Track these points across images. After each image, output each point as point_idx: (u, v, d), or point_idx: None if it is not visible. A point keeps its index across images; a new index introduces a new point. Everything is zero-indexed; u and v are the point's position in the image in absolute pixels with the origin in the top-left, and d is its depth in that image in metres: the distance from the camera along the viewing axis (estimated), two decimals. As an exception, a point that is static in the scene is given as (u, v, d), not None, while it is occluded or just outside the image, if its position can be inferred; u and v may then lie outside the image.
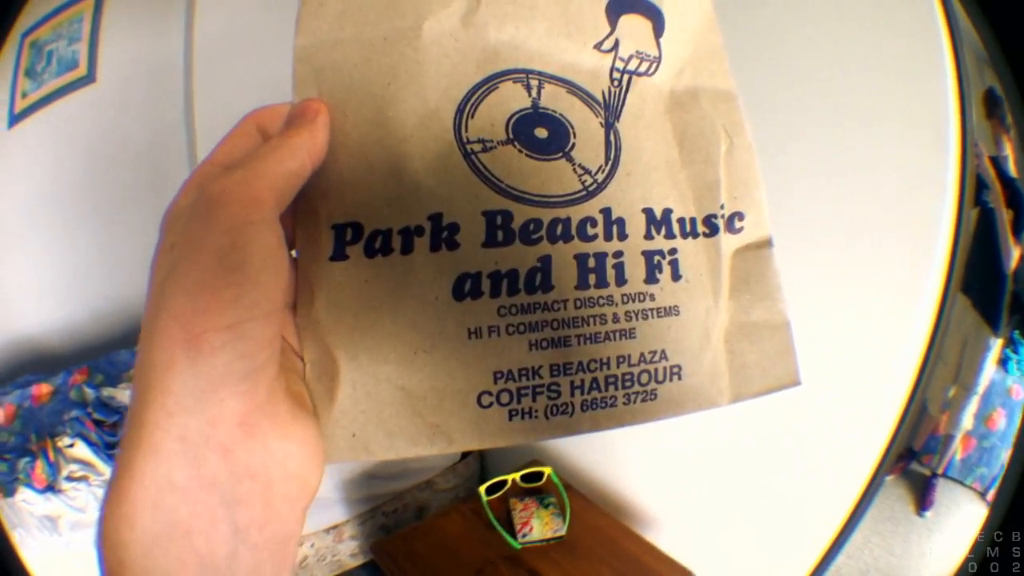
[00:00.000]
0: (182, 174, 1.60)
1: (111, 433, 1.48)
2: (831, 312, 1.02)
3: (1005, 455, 1.42)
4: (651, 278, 0.26)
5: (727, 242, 0.29)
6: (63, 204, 1.52)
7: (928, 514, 1.30)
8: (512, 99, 0.26)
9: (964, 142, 1.08)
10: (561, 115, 0.27)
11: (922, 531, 1.29)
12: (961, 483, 1.34)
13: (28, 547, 1.33)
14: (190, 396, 0.18)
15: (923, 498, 1.29)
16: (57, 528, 1.34)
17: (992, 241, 1.24)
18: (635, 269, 0.26)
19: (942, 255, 1.01)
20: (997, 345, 1.30)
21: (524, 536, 1.27)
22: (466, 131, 0.25)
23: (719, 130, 0.29)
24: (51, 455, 1.41)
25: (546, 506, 1.35)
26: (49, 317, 1.61)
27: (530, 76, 0.26)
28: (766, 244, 0.30)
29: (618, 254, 0.26)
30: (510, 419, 0.24)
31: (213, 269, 0.18)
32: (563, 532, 1.29)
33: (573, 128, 0.27)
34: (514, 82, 0.26)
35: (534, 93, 0.26)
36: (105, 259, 1.62)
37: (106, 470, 1.42)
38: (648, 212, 0.27)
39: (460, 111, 0.25)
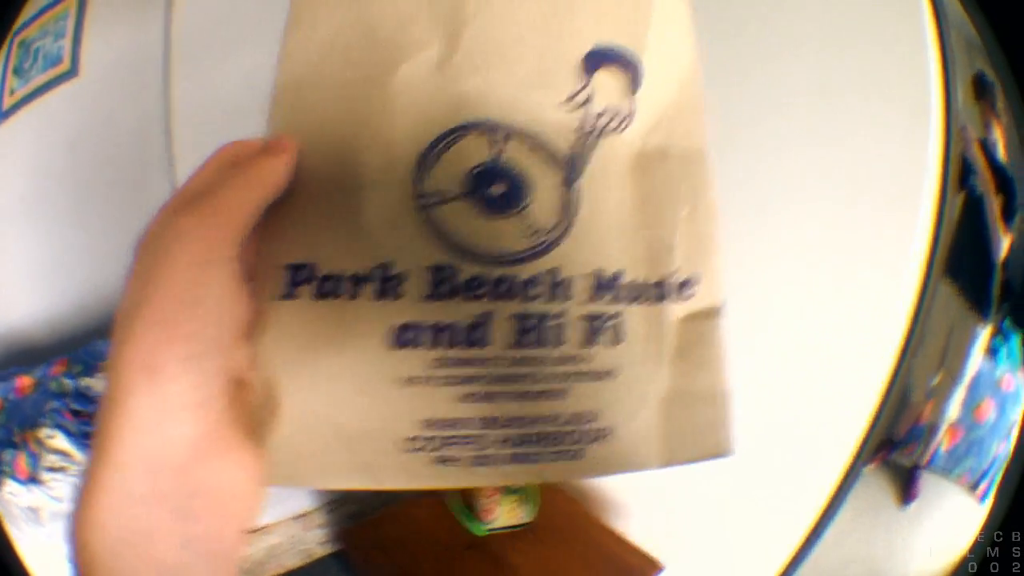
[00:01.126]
0: (161, 167, 1.59)
1: (87, 423, 1.48)
2: (808, 295, 1.00)
3: (995, 447, 1.40)
4: (590, 341, 0.27)
5: (675, 308, 0.30)
6: (46, 197, 1.52)
7: (912, 507, 1.28)
8: (474, 152, 0.27)
9: (948, 122, 1.05)
10: (521, 171, 0.27)
11: (905, 523, 1.27)
12: (947, 475, 1.31)
13: (19, 540, 1.34)
14: (149, 418, 0.21)
15: (906, 490, 1.26)
16: (39, 519, 1.35)
17: (980, 228, 1.22)
18: (574, 331, 0.27)
19: (923, 238, 0.99)
20: (985, 333, 1.28)
21: (489, 524, 1.25)
22: (425, 182, 0.26)
23: (683, 193, 0.30)
24: (33, 447, 1.41)
25: (513, 493, 1.30)
26: (33, 309, 1.61)
27: (496, 129, 0.27)
28: (716, 313, 0.31)
29: (558, 315, 0.27)
30: (436, 464, 0.25)
31: (175, 304, 0.21)
32: (529, 519, 1.27)
33: (532, 185, 0.27)
34: (479, 134, 0.27)
35: (497, 147, 0.27)
36: (86, 251, 1.62)
37: (84, 460, 1.42)
38: (597, 274, 0.28)
39: (422, 161, 0.26)
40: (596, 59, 0.28)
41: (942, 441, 1.29)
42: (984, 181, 1.20)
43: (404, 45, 0.26)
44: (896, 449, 1.28)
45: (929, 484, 1.30)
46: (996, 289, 1.26)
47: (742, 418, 1.02)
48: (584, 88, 0.28)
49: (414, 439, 0.25)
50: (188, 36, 1.48)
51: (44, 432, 1.44)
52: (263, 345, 0.24)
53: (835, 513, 1.12)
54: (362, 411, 0.25)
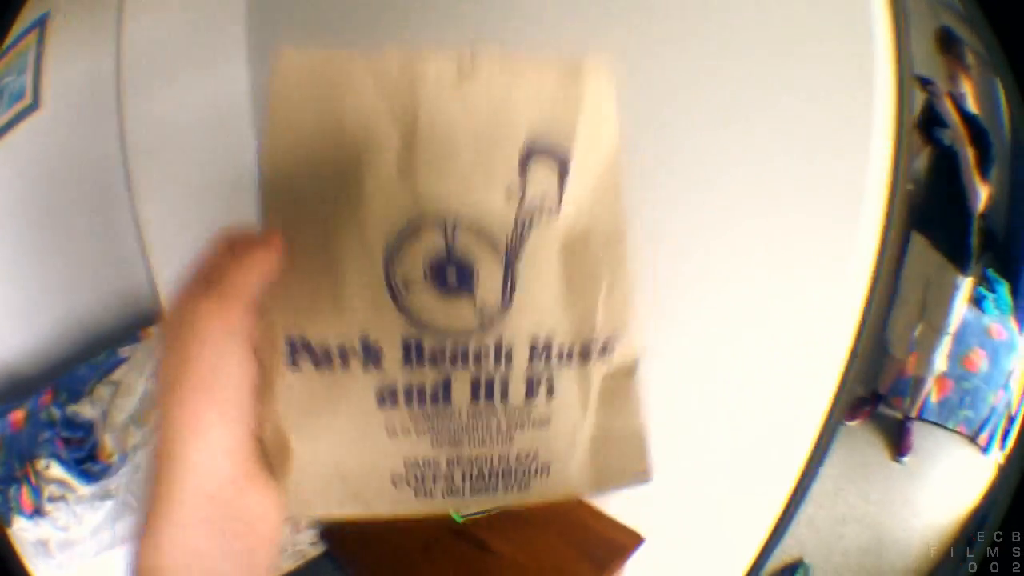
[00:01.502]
0: (121, 192, 1.64)
1: (79, 448, 1.52)
2: (768, 256, 1.01)
3: (992, 397, 1.40)
4: (530, 396, 0.33)
5: (598, 366, 0.35)
6: (19, 231, 1.58)
7: (907, 459, 1.28)
8: (430, 244, 0.32)
9: (900, 73, 1.06)
10: (469, 259, 0.32)
11: (902, 477, 1.27)
12: (943, 426, 1.32)
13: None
14: (199, 462, 0.26)
15: (899, 443, 1.27)
16: (48, 551, 1.39)
17: (954, 180, 1.22)
18: (517, 390, 0.33)
19: (876, 192, 1.00)
20: (966, 284, 1.28)
21: (467, 510, 1.24)
22: (393, 268, 0.31)
23: (604, 270, 0.34)
24: (33, 479, 1.46)
25: None
26: (17, 342, 1.68)
27: (446, 223, 0.32)
28: (633, 368, 0.36)
29: (504, 378, 0.33)
30: (415, 496, 0.32)
31: (208, 374, 0.26)
32: None
33: (478, 270, 0.32)
34: (435, 227, 0.32)
35: (448, 239, 0.32)
36: (59, 281, 1.69)
37: (80, 487, 1.46)
38: (533, 342, 0.33)
39: (390, 250, 0.31)
40: (531, 155, 0.33)
41: (931, 392, 1.30)
42: (956, 133, 1.20)
43: (368, 143, 0.31)
44: (881, 403, 1.29)
45: (925, 437, 1.30)
46: (975, 241, 1.26)
47: (717, 387, 1.03)
48: (521, 181, 0.33)
49: (398, 476, 0.32)
50: (137, 63, 1.53)
51: (41, 463, 1.47)
52: (274, 403, 0.30)
53: (816, 471, 1.13)
54: (357, 456, 0.32)
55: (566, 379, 0.34)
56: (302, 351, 0.31)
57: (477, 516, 1.27)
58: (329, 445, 0.31)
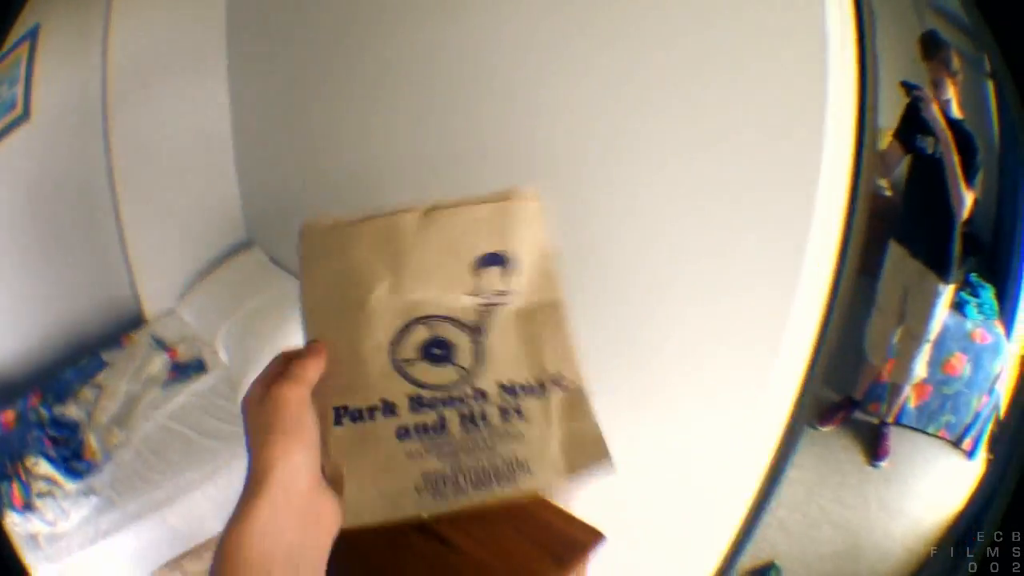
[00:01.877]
0: (107, 201, 1.69)
1: (65, 447, 1.58)
2: (728, 260, 1.02)
3: (976, 402, 1.40)
4: (505, 420, 0.47)
5: (554, 392, 0.49)
6: (8, 238, 1.63)
7: (884, 464, 1.29)
8: (420, 335, 0.48)
9: (863, 76, 1.05)
10: (449, 339, 0.49)
11: (879, 482, 1.28)
12: (922, 432, 1.32)
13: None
14: (286, 476, 0.39)
15: (875, 448, 1.28)
16: (39, 544, 1.45)
17: (937, 188, 1.22)
18: (493, 414, 0.47)
19: (830, 203, 1.01)
20: (948, 292, 1.28)
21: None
22: (398, 353, 0.47)
23: (547, 332, 0.50)
24: (23, 475, 1.52)
25: None
26: (6, 345, 1.74)
27: (431, 319, 0.49)
28: (581, 390, 0.49)
29: (482, 409, 0.47)
30: (433, 498, 0.45)
31: (292, 426, 0.41)
32: None
33: (455, 346, 0.48)
34: (422, 324, 0.49)
35: (434, 329, 0.48)
36: (48, 287, 1.75)
37: (66, 483, 1.53)
38: (500, 385, 0.48)
39: (393, 344, 0.48)
40: (483, 263, 0.49)
41: (909, 397, 1.30)
42: (942, 139, 1.19)
43: (369, 278, 0.48)
44: (856, 408, 1.30)
45: (904, 442, 1.31)
46: (957, 248, 1.25)
47: (680, 389, 1.05)
48: (476, 284, 0.49)
49: (419, 486, 0.45)
50: (122, 77, 1.59)
51: (30, 460, 1.53)
52: (329, 449, 0.44)
53: (782, 470, 1.14)
54: (388, 476, 0.45)
55: (531, 404, 0.48)
56: (344, 414, 0.46)
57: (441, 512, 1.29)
58: (369, 472, 0.45)
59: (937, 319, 1.29)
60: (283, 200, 1.89)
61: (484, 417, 0.47)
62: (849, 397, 1.28)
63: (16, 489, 1.49)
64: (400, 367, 0.47)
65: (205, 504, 1.54)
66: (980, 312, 1.33)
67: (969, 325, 1.34)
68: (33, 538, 1.44)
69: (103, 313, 1.91)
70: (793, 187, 0.93)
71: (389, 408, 0.46)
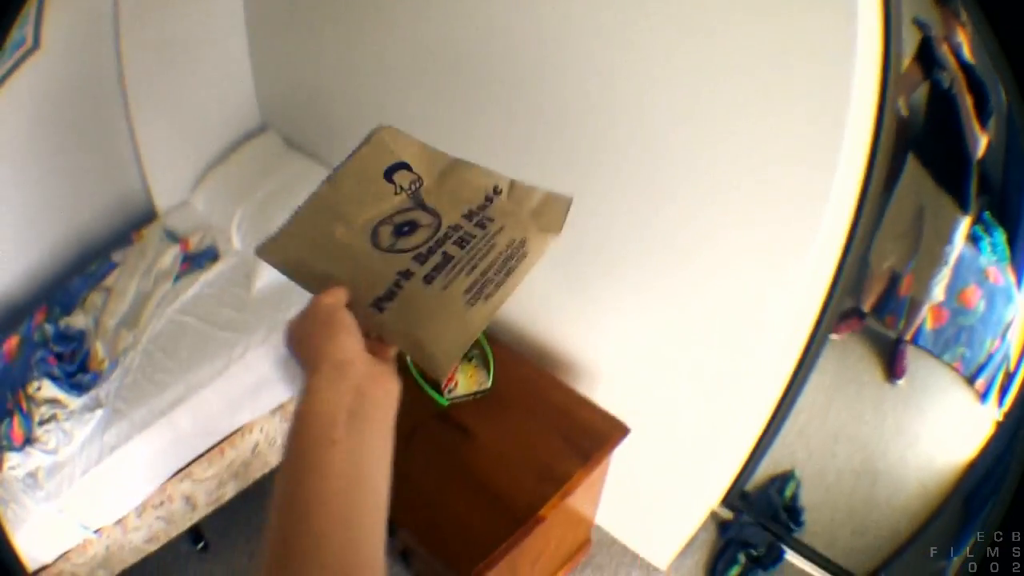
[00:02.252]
0: (119, 121, 1.67)
1: (70, 362, 1.53)
2: (756, 165, 1.02)
3: (990, 343, 1.40)
4: (483, 229, 0.56)
5: (499, 194, 0.60)
6: (23, 157, 1.61)
7: (901, 383, 1.28)
8: (387, 228, 0.56)
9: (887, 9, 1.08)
10: (407, 220, 0.57)
11: (896, 401, 1.27)
12: (938, 358, 1.32)
13: (22, 522, 1.36)
14: (335, 357, 0.45)
15: (892, 365, 1.27)
16: (38, 482, 1.39)
17: (953, 123, 1.24)
18: (476, 232, 0.56)
19: (863, 114, 1.02)
20: (965, 222, 1.29)
21: (450, 392, 1.27)
22: (381, 246, 0.55)
23: (461, 176, 0.60)
24: (24, 406, 1.46)
25: (469, 359, 1.33)
26: (11, 267, 1.70)
27: (385, 220, 0.57)
28: (512, 182, 0.60)
29: (465, 234, 0.56)
30: (484, 302, 0.53)
31: (345, 326, 0.47)
32: (488, 385, 1.29)
33: (414, 220, 0.57)
34: (382, 225, 0.56)
35: (393, 221, 0.57)
36: (60, 195, 1.70)
37: (71, 401, 1.47)
38: (463, 216, 0.57)
39: (374, 245, 0.55)
40: (391, 171, 0.60)
41: (926, 319, 1.30)
42: (954, 78, 1.22)
43: (334, 224, 0.58)
44: (866, 318, 1.29)
45: (920, 366, 1.30)
46: (974, 184, 1.27)
47: (709, 289, 1.04)
48: (398, 183, 0.60)
49: (467, 302, 0.52)
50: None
51: (33, 386, 1.46)
52: (388, 331, 0.51)
53: (806, 378, 1.12)
54: (443, 312, 0.52)
55: (490, 211, 0.58)
56: (379, 302, 0.52)
57: (462, 398, 1.28)
58: (429, 322, 0.51)
59: (955, 246, 1.29)
60: (297, 83, 1.85)
61: (470, 236, 0.56)
62: (856, 308, 1.28)
63: (16, 424, 1.42)
64: (391, 251, 0.55)
65: (216, 401, 1.49)
66: (993, 252, 1.34)
67: (983, 261, 1.35)
68: (32, 476, 1.40)
69: (114, 214, 1.86)
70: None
71: (404, 275, 0.53)
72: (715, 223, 1.09)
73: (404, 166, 0.61)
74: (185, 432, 1.44)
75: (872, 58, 1.06)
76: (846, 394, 1.13)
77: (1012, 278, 1.35)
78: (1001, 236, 1.34)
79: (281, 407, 1.64)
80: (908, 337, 1.28)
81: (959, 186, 1.27)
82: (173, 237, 1.82)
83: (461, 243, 0.55)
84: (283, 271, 0.55)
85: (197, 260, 1.75)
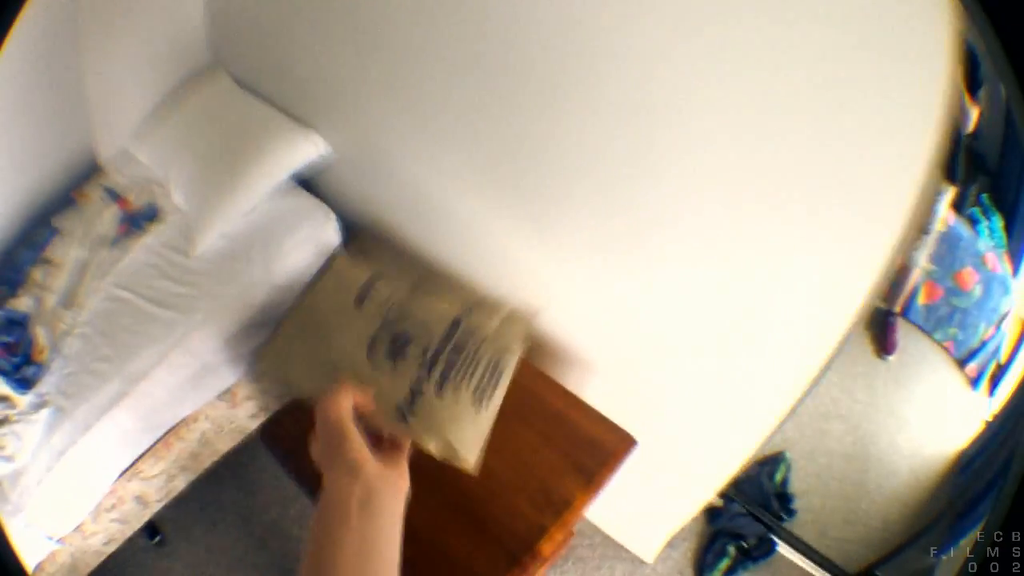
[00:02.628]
0: (70, 56, 1.52)
1: (15, 354, 1.42)
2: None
3: (984, 329, 1.36)
4: (462, 346, 0.66)
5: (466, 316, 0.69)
6: None
7: (891, 359, 1.24)
8: (382, 342, 0.64)
9: None
10: (398, 332, 0.66)
11: (887, 379, 1.23)
12: (929, 335, 1.28)
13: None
14: (356, 450, 0.53)
15: (883, 340, 1.23)
16: (4, 493, 1.30)
17: None
18: (459, 347, 0.66)
19: None
20: (949, 192, 1.26)
21: None
22: (378, 356, 0.63)
23: (423, 303, 0.69)
24: None
25: None
26: None
27: (375, 336, 0.66)
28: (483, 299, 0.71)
29: (456, 344, 0.66)
30: (486, 405, 0.65)
31: (356, 443, 0.54)
32: None
33: (405, 337, 0.65)
34: (373, 341, 0.65)
35: (390, 334, 0.66)
36: (6, 160, 1.51)
37: (18, 398, 1.36)
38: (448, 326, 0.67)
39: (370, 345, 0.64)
40: (362, 293, 0.68)
41: (918, 291, 1.26)
42: None
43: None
44: None
45: (910, 341, 1.25)
46: (963, 155, 1.24)
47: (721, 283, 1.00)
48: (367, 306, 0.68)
49: (473, 403, 0.63)
50: None
51: None
52: (417, 435, 0.60)
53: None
54: (461, 415, 0.63)
55: (460, 335, 0.66)
56: (401, 412, 0.60)
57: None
58: (449, 425, 0.62)
59: (939, 216, 1.26)
60: (253, 19, 1.70)
61: (457, 350, 0.65)
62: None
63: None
64: (393, 367, 0.63)
65: (158, 394, 1.40)
66: (991, 238, 1.31)
67: (981, 245, 1.32)
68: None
69: (61, 175, 1.69)
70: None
71: (417, 389, 0.62)
72: (703, 211, 1.06)
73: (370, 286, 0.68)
74: (129, 429, 1.37)
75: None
76: (836, 369, 1.08)
77: (1008, 267, 1.32)
78: (998, 222, 1.31)
79: (228, 391, 1.57)
80: (898, 309, 1.24)
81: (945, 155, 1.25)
82: (114, 195, 1.69)
83: (449, 364, 0.63)
84: (285, 391, 0.62)
85: (136, 221, 1.63)
